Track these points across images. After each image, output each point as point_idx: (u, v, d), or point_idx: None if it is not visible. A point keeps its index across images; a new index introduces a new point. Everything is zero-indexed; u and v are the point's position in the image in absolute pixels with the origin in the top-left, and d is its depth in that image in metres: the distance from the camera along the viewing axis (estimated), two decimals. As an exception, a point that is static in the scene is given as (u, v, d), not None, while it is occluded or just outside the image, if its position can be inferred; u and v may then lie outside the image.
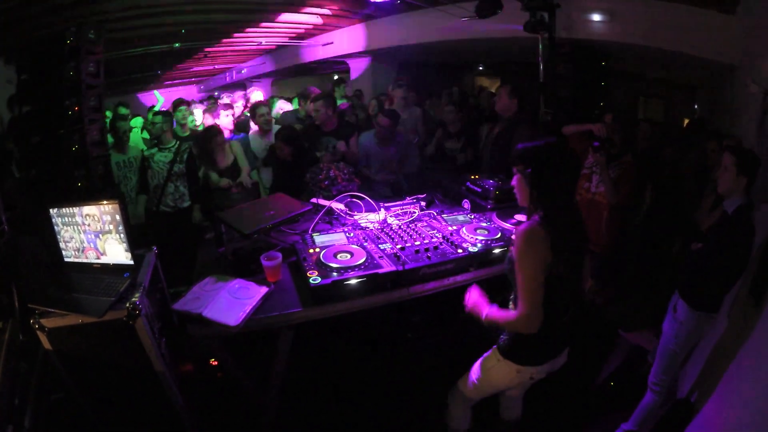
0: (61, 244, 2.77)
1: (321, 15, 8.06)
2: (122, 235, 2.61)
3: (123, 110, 6.28)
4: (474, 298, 2.45)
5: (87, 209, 2.62)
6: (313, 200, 3.81)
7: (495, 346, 2.48)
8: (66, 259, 2.80)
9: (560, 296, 2.24)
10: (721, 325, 3.10)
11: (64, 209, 2.68)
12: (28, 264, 2.88)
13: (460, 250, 2.97)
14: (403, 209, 3.73)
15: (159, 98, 8.65)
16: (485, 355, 2.54)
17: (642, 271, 4.96)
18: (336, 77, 8.44)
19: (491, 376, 2.49)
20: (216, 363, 3.33)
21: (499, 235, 3.19)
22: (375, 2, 4.50)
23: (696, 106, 7.87)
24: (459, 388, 2.69)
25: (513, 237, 2.97)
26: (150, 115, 6.70)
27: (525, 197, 2.25)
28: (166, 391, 2.66)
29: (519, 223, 3.41)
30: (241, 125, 6.45)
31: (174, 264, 3.44)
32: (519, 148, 2.26)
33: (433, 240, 3.11)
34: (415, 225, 3.42)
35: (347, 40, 9.33)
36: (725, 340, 3.05)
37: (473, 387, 2.59)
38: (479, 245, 3.04)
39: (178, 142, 4.95)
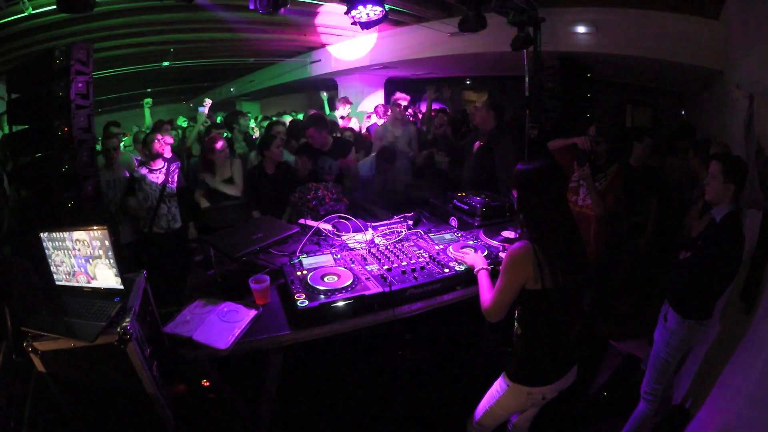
0: (52, 267, 2.79)
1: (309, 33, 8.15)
2: (112, 261, 2.64)
3: (113, 129, 6.24)
4: (475, 255, 2.87)
5: (77, 234, 2.64)
6: (301, 221, 3.84)
7: (503, 372, 2.51)
8: (57, 283, 2.81)
9: (564, 312, 2.32)
10: (714, 331, 3.14)
11: (54, 234, 2.70)
12: (20, 287, 2.91)
13: (446, 270, 3.01)
14: (390, 228, 3.76)
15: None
16: (496, 381, 2.57)
17: (632, 279, 5.02)
18: (324, 94, 8.47)
19: (503, 402, 2.51)
20: (208, 384, 3.34)
21: (485, 252, 3.23)
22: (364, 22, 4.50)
23: (683, 113, 7.96)
24: (473, 418, 2.70)
25: (501, 255, 3.08)
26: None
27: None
28: (158, 413, 2.69)
29: (506, 240, 3.47)
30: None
31: (165, 285, 3.47)
32: (516, 170, 2.37)
33: (419, 260, 3.15)
34: (402, 245, 3.46)
35: (335, 58, 9.37)
36: (718, 346, 3.10)
37: (487, 415, 2.61)
38: (465, 264, 3.08)
39: (166, 164, 4.97)
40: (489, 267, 2.64)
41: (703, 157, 4.42)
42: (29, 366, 2.52)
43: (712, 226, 2.88)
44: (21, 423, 2.44)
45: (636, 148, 5.01)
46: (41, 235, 2.73)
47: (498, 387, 2.53)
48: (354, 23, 4.58)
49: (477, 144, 5.11)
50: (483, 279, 2.53)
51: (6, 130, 4.49)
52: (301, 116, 8.05)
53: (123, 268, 2.72)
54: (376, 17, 4.48)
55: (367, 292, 2.69)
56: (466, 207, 4.01)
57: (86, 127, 4.51)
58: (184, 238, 5.10)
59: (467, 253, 3.11)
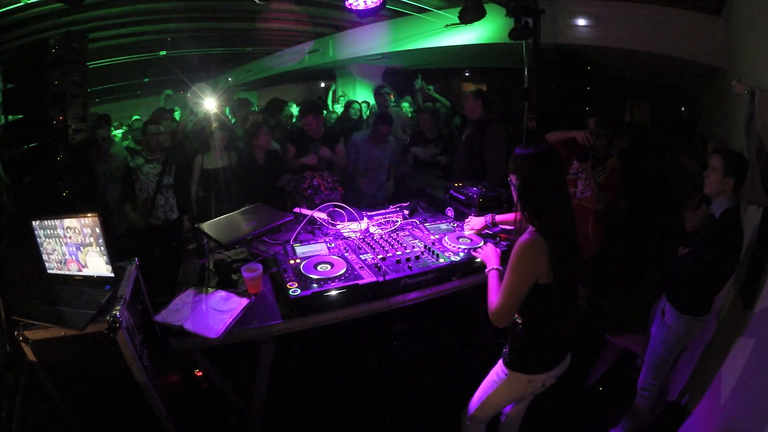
0: (44, 255, 2.78)
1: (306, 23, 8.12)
2: (102, 248, 2.62)
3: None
4: (489, 251, 2.61)
5: (68, 222, 2.63)
6: (296, 209, 3.81)
7: (501, 360, 2.48)
8: (49, 271, 2.81)
9: (563, 304, 2.28)
10: (711, 327, 3.11)
11: (46, 222, 2.69)
12: (13, 275, 2.89)
13: (441, 260, 2.98)
14: (385, 218, 3.75)
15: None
16: (492, 371, 2.54)
17: (628, 274, 4.99)
18: (323, 84, 8.45)
19: (501, 391, 2.48)
20: (201, 373, 3.32)
21: (481, 243, 3.19)
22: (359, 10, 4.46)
23: (683, 109, 7.91)
24: (468, 409, 2.68)
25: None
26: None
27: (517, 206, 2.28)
28: (149, 402, 2.67)
29: (503, 230, 3.44)
30: None
31: (159, 274, 3.45)
32: (513, 154, 2.28)
33: (414, 249, 3.13)
34: (398, 234, 3.44)
35: (333, 48, 9.34)
36: (716, 342, 3.07)
37: (483, 405, 2.59)
38: (461, 254, 3.05)
39: (165, 153, 4.95)
40: (501, 267, 2.46)
41: (695, 154, 4.39)
42: (21, 356, 2.51)
43: (711, 221, 2.85)
44: (12, 414, 2.42)
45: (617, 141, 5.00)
46: (33, 223, 2.72)
47: (495, 377, 2.50)
48: (351, 11, 4.54)
49: (466, 133, 5.09)
50: (493, 280, 2.39)
51: (2, 120, 4.46)
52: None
53: (115, 256, 2.70)
54: (373, 5, 4.43)
55: (360, 282, 2.66)
56: (462, 197, 3.96)
57: (81, 116, 4.49)
58: (180, 229, 5.07)
59: (479, 241, 3.03)
